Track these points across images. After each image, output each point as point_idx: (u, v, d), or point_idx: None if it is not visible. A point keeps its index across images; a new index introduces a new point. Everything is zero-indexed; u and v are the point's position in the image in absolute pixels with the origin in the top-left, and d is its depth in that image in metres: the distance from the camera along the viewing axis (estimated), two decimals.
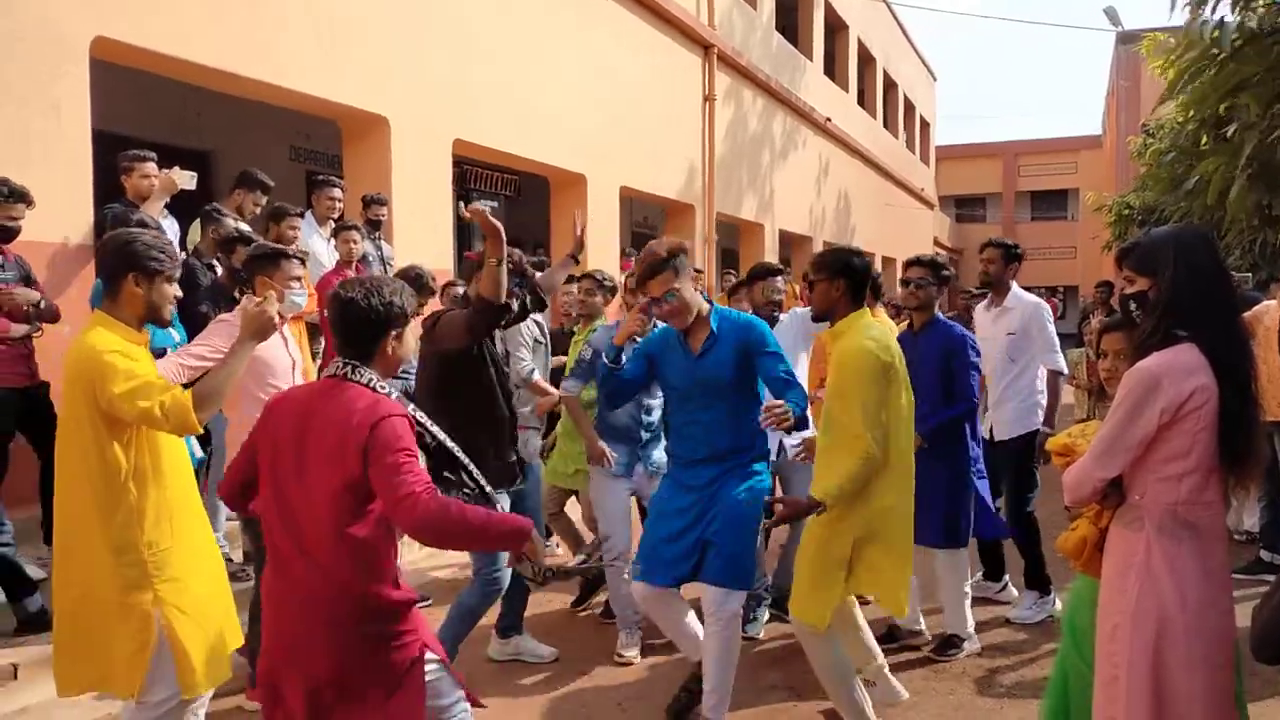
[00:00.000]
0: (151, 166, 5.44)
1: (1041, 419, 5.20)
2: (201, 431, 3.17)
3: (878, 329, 3.74)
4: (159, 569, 2.89)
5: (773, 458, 4.49)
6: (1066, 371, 5.29)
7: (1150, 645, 2.47)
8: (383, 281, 2.62)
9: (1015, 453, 5.24)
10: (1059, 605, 5.18)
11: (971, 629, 4.81)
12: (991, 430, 5.39)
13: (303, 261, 6.25)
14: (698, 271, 5.65)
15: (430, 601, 5.31)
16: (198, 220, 5.74)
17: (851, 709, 3.77)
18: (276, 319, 3.00)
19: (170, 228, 5.70)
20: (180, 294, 3.09)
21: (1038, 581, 5.33)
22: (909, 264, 4.81)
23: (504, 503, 4.23)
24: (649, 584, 3.81)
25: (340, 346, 2.60)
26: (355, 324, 2.55)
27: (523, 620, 4.74)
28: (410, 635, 2.54)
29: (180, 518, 2.99)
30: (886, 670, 4.06)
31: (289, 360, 4.09)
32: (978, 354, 4.72)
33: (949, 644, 4.75)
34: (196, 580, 3.00)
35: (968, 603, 4.80)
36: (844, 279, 3.73)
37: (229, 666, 3.08)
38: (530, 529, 2.51)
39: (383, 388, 2.54)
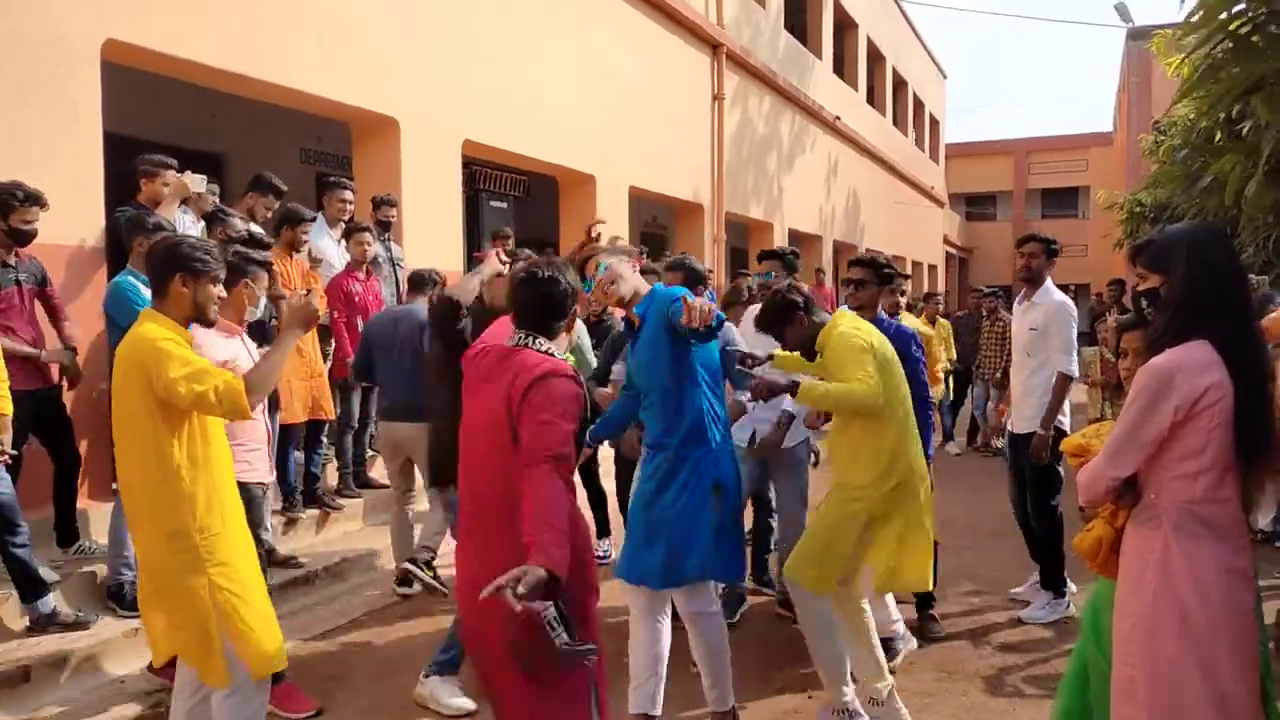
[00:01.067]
0: (172, 174, 5.45)
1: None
2: (253, 417, 3.31)
3: (853, 322, 3.94)
4: (210, 553, 2.98)
5: (741, 445, 4.56)
6: (1075, 375, 5.24)
7: (1170, 646, 2.44)
8: (562, 267, 2.87)
9: (1025, 448, 5.23)
10: (1074, 609, 5.16)
11: (899, 629, 4.66)
12: (1012, 424, 5.46)
13: (315, 264, 6.29)
14: (708, 271, 5.64)
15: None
16: (203, 222, 5.75)
17: (832, 662, 3.86)
18: (321, 310, 3.10)
19: (195, 230, 5.71)
20: (224, 294, 3.26)
21: (1053, 583, 5.30)
22: (851, 264, 4.82)
23: None
24: (626, 580, 3.73)
25: (523, 321, 2.80)
26: (548, 302, 2.79)
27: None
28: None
29: (229, 504, 3.11)
30: (894, 692, 3.96)
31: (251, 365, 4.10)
32: (921, 349, 4.72)
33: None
34: (245, 565, 3.11)
35: (890, 600, 4.60)
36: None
37: (283, 649, 3.16)
38: (560, 583, 2.35)
39: (556, 354, 2.77)
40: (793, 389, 3.75)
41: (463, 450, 2.80)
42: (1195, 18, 5.80)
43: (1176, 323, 2.53)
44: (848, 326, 3.84)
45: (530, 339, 2.76)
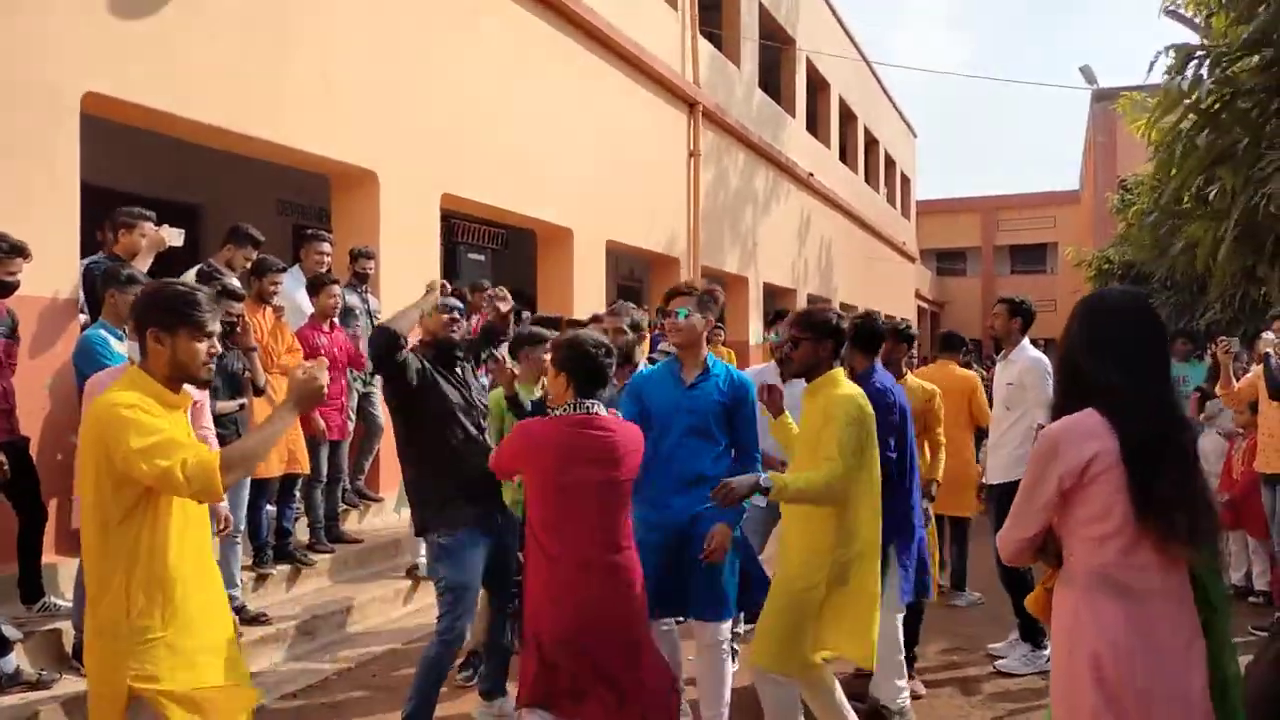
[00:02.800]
0: (150, 226, 5.44)
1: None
2: (224, 499, 3.00)
3: (852, 387, 3.87)
4: (139, 660, 2.53)
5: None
6: None
7: (1087, 704, 2.35)
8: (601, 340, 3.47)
9: (1000, 499, 5.26)
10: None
11: (904, 701, 4.47)
12: (987, 474, 5.62)
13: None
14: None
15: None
16: (191, 274, 5.72)
17: None
18: (326, 387, 2.79)
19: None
20: (219, 350, 2.84)
21: (1030, 634, 5.31)
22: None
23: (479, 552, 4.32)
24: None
25: (582, 388, 3.36)
26: (599, 371, 3.38)
27: (505, 683, 4.59)
28: None
29: (188, 600, 2.64)
30: None
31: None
32: (897, 410, 4.42)
33: (876, 716, 4.45)
34: (198, 658, 2.66)
35: (899, 670, 4.49)
36: (831, 341, 3.86)
37: None
38: None
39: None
40: (765, 490, 3.58)
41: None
42: (1158, 102, 6.07)
43: (1062, 388, 2.53)
44: (852, 390, 3.81)
45: (591, 406, 3.43)
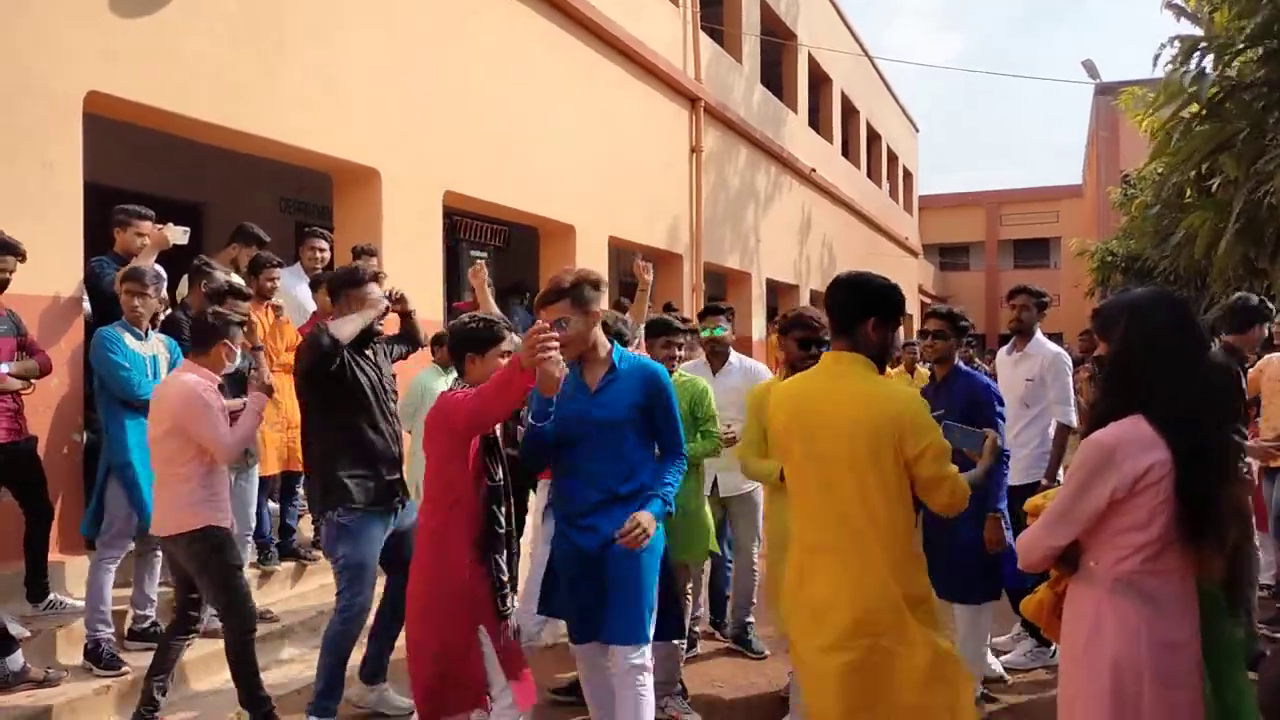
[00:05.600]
0: (148, 225, 5.46)
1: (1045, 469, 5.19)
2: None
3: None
4: None
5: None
6: (1074, 425, 5.24)
7: (1105, 711, 2.36)
8: None
9: (1018, 500, 5.23)
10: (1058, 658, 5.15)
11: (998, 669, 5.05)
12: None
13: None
14: (682, 318, 5.78)
15: None
16: (188, 275, 5.73)
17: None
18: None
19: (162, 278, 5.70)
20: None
21: (1034, 630, 5.29)
22: (928, 315, 4.83)
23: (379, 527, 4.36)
24: (572, 641, 3.77)
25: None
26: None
27: (386, 668, 4.69)
28: None
29: None
30: None
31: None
32: (1002, 403, 4.59)
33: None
34: None
35: (988, 657, 4.90)
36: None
37: None
38: None
39: None
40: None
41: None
42: (1160, 92, 6.04)
43: (1110, 395, 2.45)
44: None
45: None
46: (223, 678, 4.73)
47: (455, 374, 4.01)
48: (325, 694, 4.26)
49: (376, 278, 4.57)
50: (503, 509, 3.53)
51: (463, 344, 3.66)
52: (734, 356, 5.62)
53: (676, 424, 3.67)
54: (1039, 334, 5.41)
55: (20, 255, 4.62)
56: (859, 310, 2.98)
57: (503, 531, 3.52)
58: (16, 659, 4.35)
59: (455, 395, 3.45)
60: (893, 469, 2.81)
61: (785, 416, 3.04)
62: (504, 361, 3.51)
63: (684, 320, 6.20)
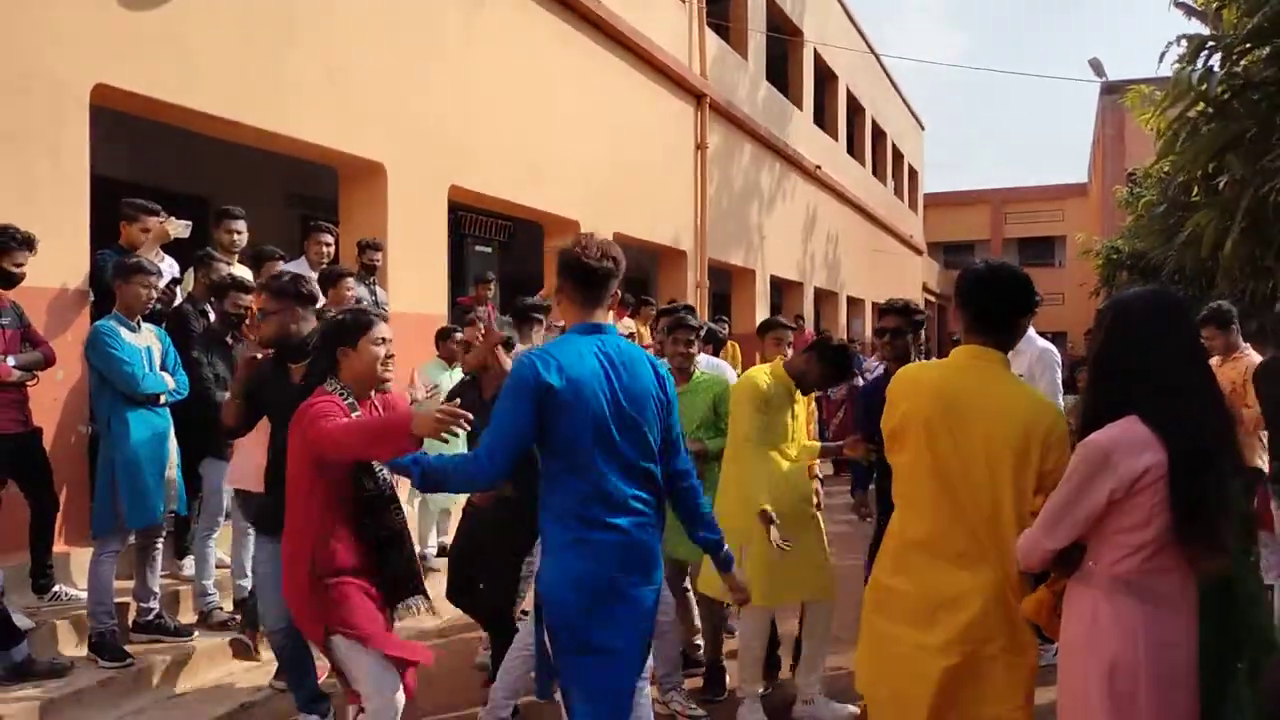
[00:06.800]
0: (153, 220, 5.46)
1: None
2: None
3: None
4: None
5: None
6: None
7: (1099, 710, 2.36)
8: None
9: None
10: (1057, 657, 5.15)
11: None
12: None
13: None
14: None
15: None
16: (191, 266, 5.74)
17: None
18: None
19: (170, 270, 5.71)
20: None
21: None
22: (883, 312, 4.70)
23: None
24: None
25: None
26: None
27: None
28: None
29: None
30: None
31: None
32: None
33: None
34: None
35: None
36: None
37: None
38: None
39: None
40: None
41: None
42: (1167, 91, 6.01)
43: (1093, 394, 2.44)
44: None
45: None
46: (228, 669, 4.73)
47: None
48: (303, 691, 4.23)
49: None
50: (387, 513, 3.29)
51: (331, 340, 3.31)
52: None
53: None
54: (1030, 331, 5.39)
55: (33, 249, 4.63)
56: (1023, 306, 2.86)
57: (390, 533, 3.28)
58: (22, 650, 4.36)
59: (323, 409, 3.11)
60: (1030, 478, 2.68)
61: (932, 409, 2.80)
62: (379, 350, 3.25)
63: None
